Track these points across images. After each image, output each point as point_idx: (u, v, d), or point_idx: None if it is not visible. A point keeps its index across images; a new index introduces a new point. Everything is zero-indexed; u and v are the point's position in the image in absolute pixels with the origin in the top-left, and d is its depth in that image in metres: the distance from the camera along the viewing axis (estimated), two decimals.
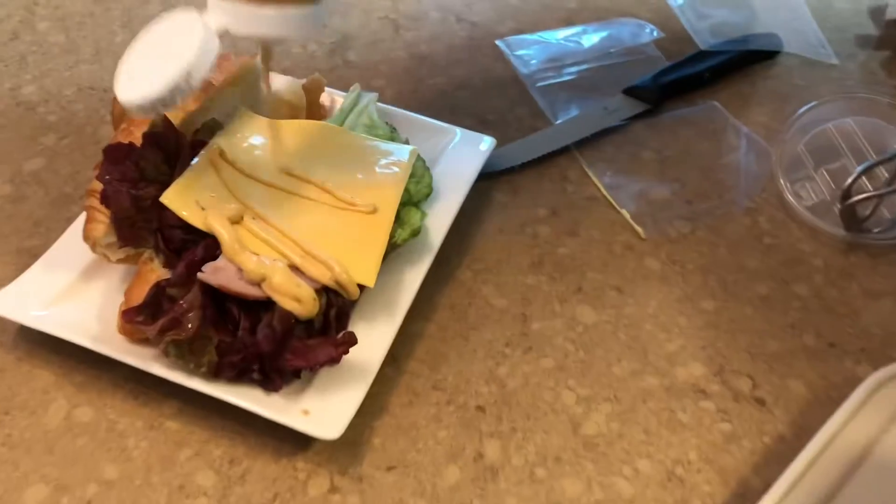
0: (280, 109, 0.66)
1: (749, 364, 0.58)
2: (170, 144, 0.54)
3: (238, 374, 0.51)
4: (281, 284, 0.51)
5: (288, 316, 0.51)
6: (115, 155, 0.53)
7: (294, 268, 0.52)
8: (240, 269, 0.51)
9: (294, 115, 0.66)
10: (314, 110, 0.68)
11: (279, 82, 0.69)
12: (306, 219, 0.56)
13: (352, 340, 0.51)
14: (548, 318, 0.60)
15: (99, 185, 0.54)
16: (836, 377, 0.57)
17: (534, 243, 0.65)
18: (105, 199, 0.52)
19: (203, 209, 0.53)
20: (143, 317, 0.50)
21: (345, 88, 0.71)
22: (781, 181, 0.69)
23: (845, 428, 0.52)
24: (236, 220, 0.53)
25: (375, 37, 0.82)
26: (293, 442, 0.52)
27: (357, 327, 0.54)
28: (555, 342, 0.58)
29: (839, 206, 0.65)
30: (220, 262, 0.52)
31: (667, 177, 0.70)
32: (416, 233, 0.58)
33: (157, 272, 0.52)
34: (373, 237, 0.55)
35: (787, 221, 0.67)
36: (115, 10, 0.82)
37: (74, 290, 0.56)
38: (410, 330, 0.57)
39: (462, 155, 0.66)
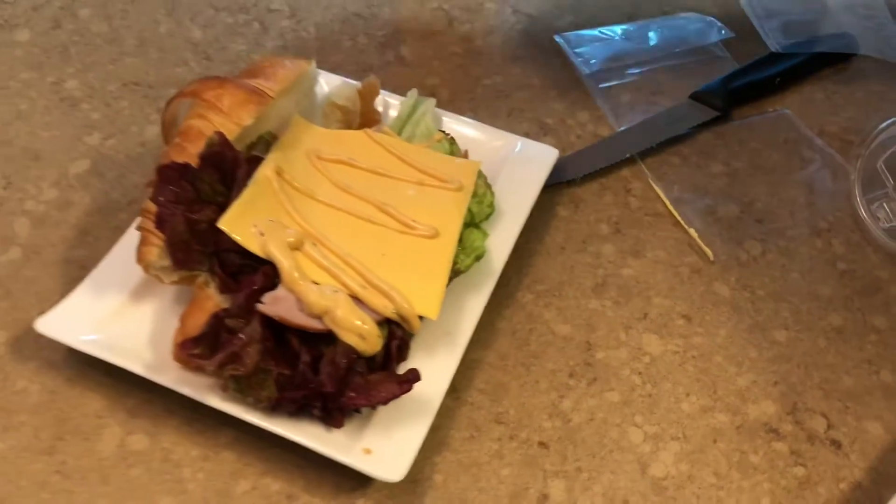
0: (333, 115, 0.63)
1: (823, 402, 0.56)
2: (227, 163, 0.52)
3: (298, 410, 0.49)
4: (344, 319, 0.49)
5: (350, 351, 0.49)
6: (170, 175, 0.51)
7: (355, 298, 0.50)
8: (297, 297, 0.49)
9: (348, 121, 0.64)
10: (369, 115, 0.65)
11: (332, 84, 0.66)
12: (365, 243, 0.53)
13: (415, 378, 0.49)
14: (613, 346, 0.57)
15: (152, 205, 0.52)
16: None
17: (597, 263, 0.62)
18: (160, 222, 0.50)
19: (262, 234, 0.51)
20: (200, 349, 0.48)
21: (397, 87, 0.68)
22: (858, 200, 0.66)
23: None
24: (296, 246, 0.51)
25: (429, 29, 0.79)
26: (353, 478, 0.50)
27: (416, 357, 0.52)
28: (621, 374, 0.56)
29: None
30: (280, 291, 0.50)
31: (736, 192, 0.67)
32: (479, 257, 0.56)
33: (213, 299, 0.50)
34: (435, 264, 0.53)
35: (863, 245, 0.64)
36: None
37: (125, 311, 0.54)
38: (469, 357, 0.55)
39: (524, 167, 0.63)
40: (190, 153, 0.53)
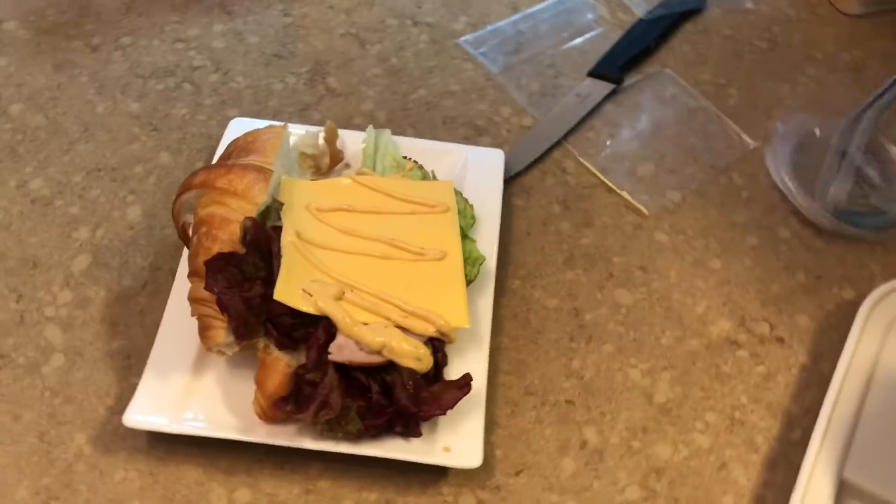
0: (305, 163, 0.71)
1: (762, 310, 0.70)
2: (262, 243, 0.59)
3: (380, 432, 0.58)
4: (401, 349, 0.58)
5: (413, 373, 0.58)
6: (218, 265, 0.57)
7: (399, 327, 0.59)
8: (357, 341, 0.58)
9: (318, 166, 0.71)
10: (334, 156, 0.72)
11: (296, 136, 0.73)
12: (390, 278, 0.62)
13: (469, 380, 0.59)
14: (594, 307, 0.70)
15: (200, 293, 0.58)
16: (829, 305, 0.71)
17: (560, 240, 0.74)
18: (222, 307, 0.56)
19: (310, 295, 0.58)
20: (291, 405, 0.56)
21: (338, 118, 0.76)
22: (744, 137, 0.80)
23: (857, 348, 0.65)
24: (339, 297, 0.59)
25: (346, 56, 0.86)
26: (432, 472, 0.60)
27: (452, 360, 0.62)
28: (608, 328, 0.68)
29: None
30: (340, 339, 0.58)
31: (647, 151, 0.80)
32: (481, 264, 0.66)
33: (282, 359, 0.58)
34: (452, 281, 0.63)
35: (756, 174, 0.79)
36: (81, 76, 0.82)
37: (192, 387, 0.61)
38: (489, 347, 0.66)
39: (481, 173, 0.73)
40: (222, 239, 0.59)
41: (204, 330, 0.58)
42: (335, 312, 0.58)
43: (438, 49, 0.87)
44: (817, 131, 0.80)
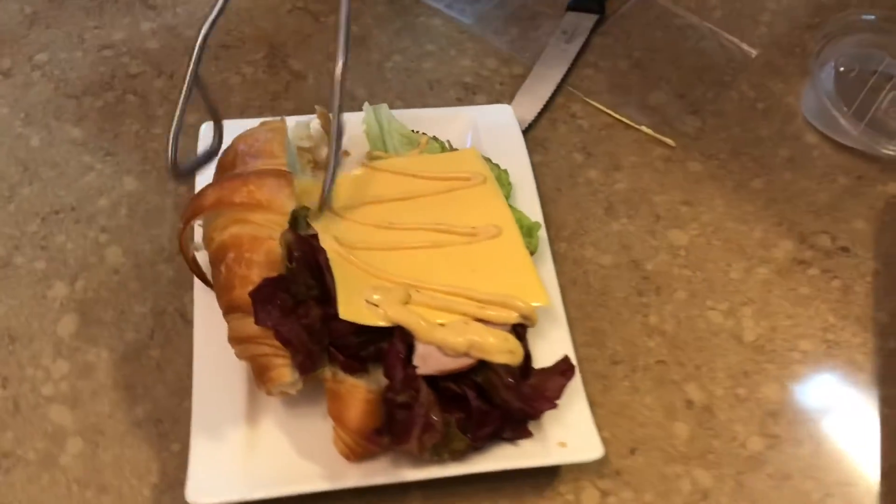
0: (303, 158, 0.61)
1: (817, 221, 0.66)
2: (310, 257, 0.50)
3: (487, 442, 0.51)
4: (490, 344, 0.50)
5: (508, 368, 0.51)
6: (266, 293, 0.48)
7: (478, 320, 0.52)
8: (439, 347, 0.50)
9: (316, 158, 0.62)
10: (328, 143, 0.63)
11: (289, 129, 0.63)
12: (450, 267, 0.54)
13: (570, 364, 0.52)
14: (652, 255, 0.64)
15: (247, 330, 0.49)
16: (879, 203, 0.68)
17: (592, 190, 0.67)
18: (285, 341, 0.47)
19: (377, 306, 0.50)
20: (389, 436, 0.48)
21: (315, 103, 0.67)
22: (743, 46, 0.76)
23: None
24: (406, 301, 0.51)
25: (301, 34, 0.76)
26: (542, 473, 0.53)
27: (536, 345, 0.55)
28: (672, 274, 0.63)
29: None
30: (422, 348, 0.50)
31: (651, 79, 0.74)
32: (537, 232, 0.59)
33: (360, 386, 0.49)
34: (517, 257, 0.55)
35: (762, 83, 0.75)
36: (1, 107, 0.69)
37: (253, 441, 0.51)
38: None
39: (495, 133, 0.66)
40: (259, 262, 0.49)
41: (263, 372, 0.49)
42: (409, 319, 0.50)
43: (399, 9, 0.78)
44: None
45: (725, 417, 0.57)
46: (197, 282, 0.56)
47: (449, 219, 0.56)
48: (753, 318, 0.61)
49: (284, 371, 0.49)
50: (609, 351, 0.59)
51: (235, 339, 0.50)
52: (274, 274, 0.49)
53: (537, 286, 0.54)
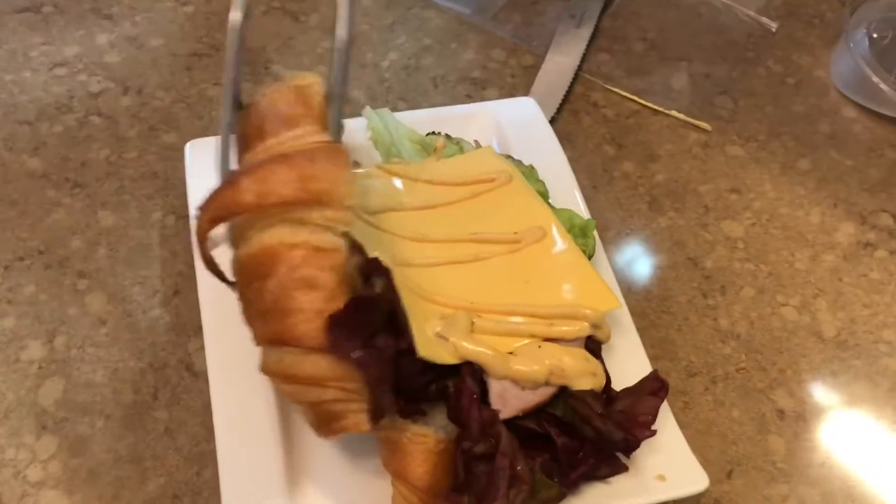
0: None
1: (874, 199, 0.61)
2: (379, 276, 0.41)
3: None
4: (572, 367, 0.43)
5: (593, 394, 0.43)
6: (349, 322, 0.38)
7: (548, 340, 0.45)
8: (515, 380, 0.42)
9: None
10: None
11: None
12: (503, 283, 0.47)
13: (661, 381, 0.45)
14: (708, 250, 0.57)
15: (305, 371, 0.39)
16: None
17: (631, 184, 0.61)
18: (374, 383, 0.38)
19: (445, 339, 0.42)
20: (468, 496, 0.40)
21: None
22: (762, 20, 0.70)
23: None
24: (471, 329, 0.43)
25: (282, 36, 0.67)
26: None
27: (608, 360, 0.48)
28: (734, 269, 0.57)
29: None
30: (496, 385, 0.42)
31: (671, 61, 0.68)
32: (593, 231, 0.51)
33: (429, 435, 0.41)
34: (573, 260, 0.48)
35: (788, 56, 0.69)
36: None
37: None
38: None
39: (520, 128, 0.58)
40: (324, 283, 0.38)
41: (330, 421, 0.40)
42: (483, 353, 0.42)
43: (387, 2, 0.71)
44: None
45: (823, 425, 0.50)
46: (208, 323, 0.47)
47: (484, 226, 0.49)
48: (829, 311, 0.55)
49: (362, 419, 0.40)
50: (683, 362, 0.52)
51: (289, 379, 0.41)
52: (343, 299, 0.39)
53: (603, 289, 0.47)
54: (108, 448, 0.47)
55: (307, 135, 0.41)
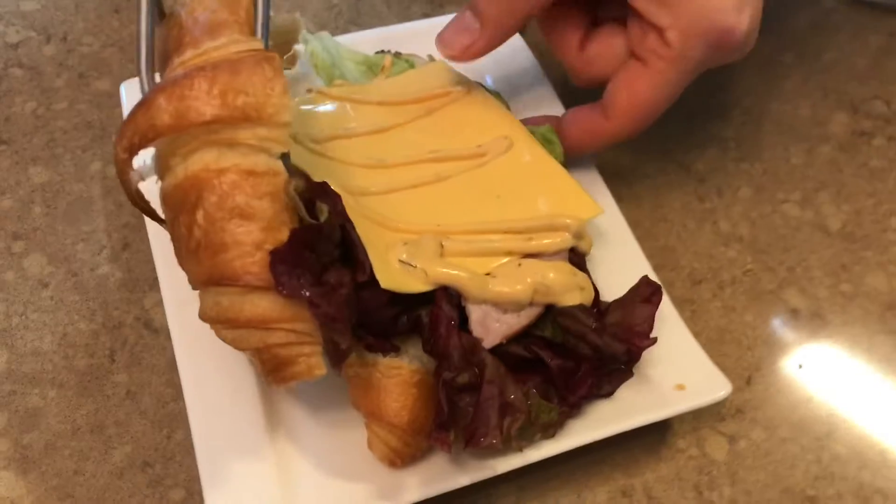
0: None
1: (864, 88, 0.58)
2: (337, 209, 0.36)
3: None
4: (557, 282, 0.39)
5: (584, 309, 0.39)
6: (294, 254, 0.33)
7: (530, 255, 0.40)
8: (496, 303, 0.38)
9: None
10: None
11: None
12: (471, 200, 0.42)
13: (654, 285, 0.41)
14: (699, 151, 0.54)
15: (245, 313, 0.34)
16: None
17: None
18: (329, 320, 0.33)
19: (414, 266, 0.37)
20: (455, 431, 0.36)
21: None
22: None
23: None
24: (441, 253, 0.39)
25: None
26: (649, 430, 0.42)
27: (603, 276, 0.44)
28: (729, 170, 0.53)
29: None
30: (476, 311, 0.38)
31: None
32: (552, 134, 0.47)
33: (402, 367, 0.37)
34: (542, 167, 0.44)
35: None
36: None
37: (283, 464, 0.38)
38: None
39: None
40: (260, 212, 0.33)
41: (281, 367, 0.35)
42: (458, 276, 0.38)
43: None
44: None
45: (840, 321, 0.47)
46: (164, 275, 0.42)
47: (444, 144, 0.44)
48: (833, 204, 0.52)
49: (316, 362, 0.35)
50: (686, 270, 0.49)
51: (228, 323, 0.35)
52: (285, 229, 0.34)
53: (582, 196, 0.43)
54: (65, 419, 0.41)
55: (231, 43, 0.36)
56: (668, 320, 0.43)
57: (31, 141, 0.51)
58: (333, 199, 0.36)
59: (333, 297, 0.34)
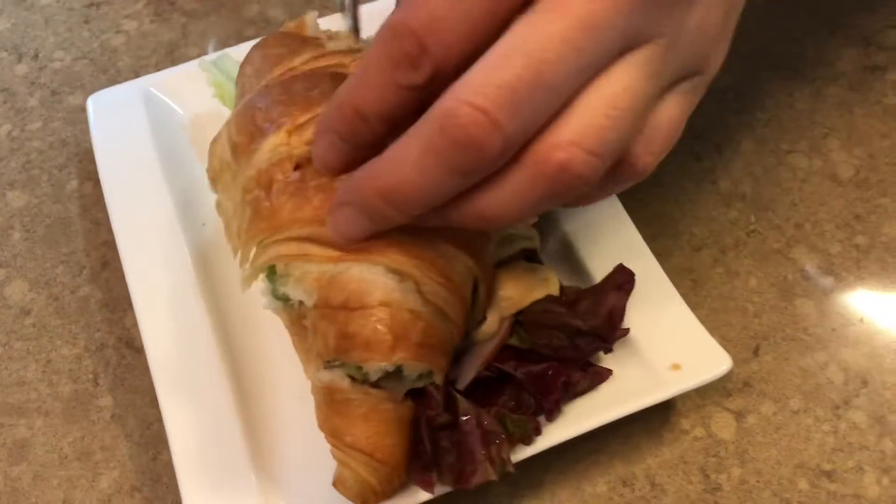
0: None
1: (875, 18, 0.53)
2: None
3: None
4: (520, 289, 0.37)
5: (554, 300, 0.37)
6: None
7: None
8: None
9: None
10: None
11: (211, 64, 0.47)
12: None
13: (627, 273, 0.38)
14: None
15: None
16: None
17: None
18: None
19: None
20: (438, 471, 0.34)
21: (225, 41, 0.52)
22: None
23: None
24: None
25: None
26: (652, 415, 0.40)
27: (594, 256, 0.41)
28: (727, 121, 0.50)
29: None
30: None
31: None
32: None
33: (371, 394, 0.35)
34: None
35: None
36: None
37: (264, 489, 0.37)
38: None
39: None
40: None
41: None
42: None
43: None
44: None
45: (853, 278, 0.44)
46: (138, 294, 0.41)
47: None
48: (844, 149, 0.48)
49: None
50: (685, 236, 0.46)
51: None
52: None
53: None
54: (52, 448, 0.41)
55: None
56: (665, 292, 0.40)
57: (7, 164, 0.51)
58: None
59: None
